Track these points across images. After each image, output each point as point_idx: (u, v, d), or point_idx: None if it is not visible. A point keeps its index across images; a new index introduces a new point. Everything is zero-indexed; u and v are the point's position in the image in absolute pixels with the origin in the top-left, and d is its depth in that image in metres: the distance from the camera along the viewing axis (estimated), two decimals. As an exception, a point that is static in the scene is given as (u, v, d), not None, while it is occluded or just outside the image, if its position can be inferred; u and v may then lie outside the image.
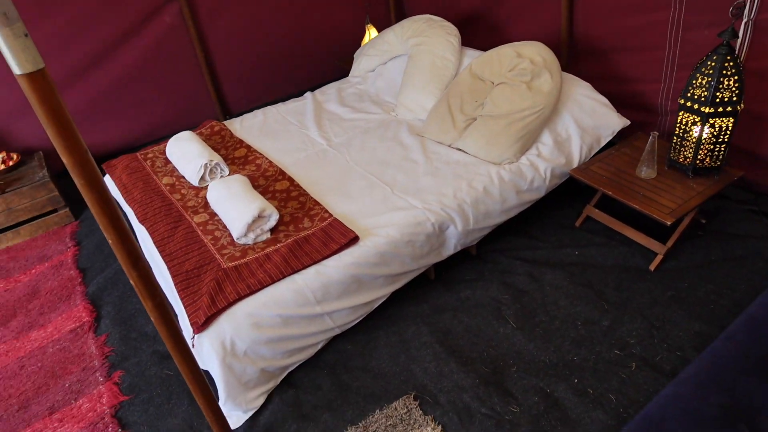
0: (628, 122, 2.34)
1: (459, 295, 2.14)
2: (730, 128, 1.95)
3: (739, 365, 1.33)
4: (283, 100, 3.46)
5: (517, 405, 1.70)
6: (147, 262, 1.20)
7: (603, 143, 2.35)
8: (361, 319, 1.98)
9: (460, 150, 2.34)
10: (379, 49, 2.93)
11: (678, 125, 2.05)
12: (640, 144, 2.34)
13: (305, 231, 1.99)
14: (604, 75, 2.49)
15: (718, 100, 1.88)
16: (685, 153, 2.09)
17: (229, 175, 2.39)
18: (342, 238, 1.91)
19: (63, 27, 2.82)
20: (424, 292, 2.18)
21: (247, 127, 2.80)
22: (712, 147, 2.02)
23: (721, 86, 1.85)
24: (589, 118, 2.31)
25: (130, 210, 2.29)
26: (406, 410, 1.72)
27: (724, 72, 1.83)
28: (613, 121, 2.33)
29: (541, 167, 2.23)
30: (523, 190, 2.21)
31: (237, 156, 2.55)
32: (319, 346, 1.90)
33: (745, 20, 1.92)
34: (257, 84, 3.51)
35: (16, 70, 0.86)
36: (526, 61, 2.27)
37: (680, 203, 2.02)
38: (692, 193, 2.06)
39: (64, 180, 3.17)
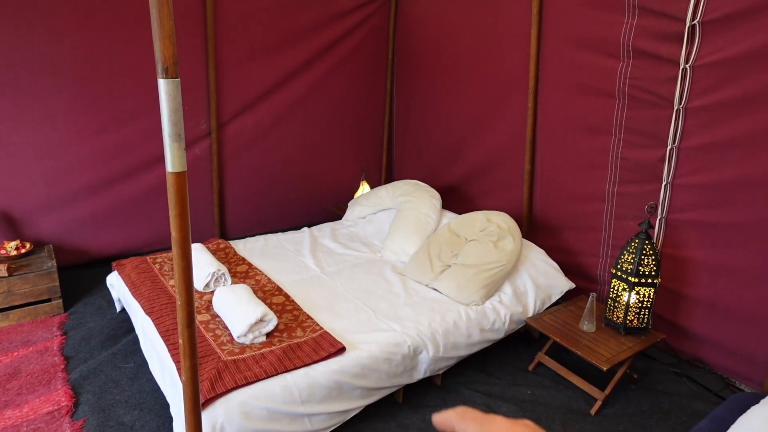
0: (573, 285, 2.84)
1: (424, 417, 2.35)
2: (651, 296, 2.46)
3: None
4: (278, 231, 3.93)
5: None
6: (197, 326, 1.47)
7: (553, 300, 2.81)
8: (335, 427, 2.14)
9: (435, 290, 2.75)
10: (372, 201, 3.52)
11: (612, 290, 2.55)
12: (583, 304, 2.81)
13: (297, 339, 2.25)
14: (555, 246, 3.06)
15: (640, 272, 2.41)
16: (618, 314, 2.55)
17: (231, 284, 2.69)
18: (330, 347, 2.18)
19: (110, 145, 3.32)
20: (393, 412, 2.37)
21: (249, 248, 3.18)
22: (638, 311, 2.50)
23: (642, 262, 2.40)
24: (542, 278, 2.81)
25: (137, 304, 2.51)
26: None
27: (644, 252, 2.40)
28: (561, 283, 2.83)
29: (501, 312, 2.64)
30: (486, 329, 2.58)
31: (239, 270, 2.87)
32: (295, 449, 2.04)
33: (659, 217, 2.56)
34: (257, 215, 3.99)
35: (171, 168, 1.27)
36: (494, 225, 2.84)
37: (614, 354, 2.42)
38: (624, 347, 2.47)
39: (65, 272, 3.37)
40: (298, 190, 4.05)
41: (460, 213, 3.30)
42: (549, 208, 3.10)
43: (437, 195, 3.29)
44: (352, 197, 4.08)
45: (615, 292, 2.54)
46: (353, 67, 3.94)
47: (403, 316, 2.49)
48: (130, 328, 2.85)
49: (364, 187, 3.98)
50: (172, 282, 2.68)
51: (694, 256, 2.51)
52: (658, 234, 2.63)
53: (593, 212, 2.86)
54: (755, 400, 2.08)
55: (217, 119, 3.55)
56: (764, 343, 2.35)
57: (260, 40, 3.53)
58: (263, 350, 2.16)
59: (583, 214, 2.91)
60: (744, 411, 1.97)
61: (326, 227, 3.53)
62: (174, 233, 1.32)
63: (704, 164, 2.34)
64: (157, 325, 2.30)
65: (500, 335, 2.65)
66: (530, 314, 2.72)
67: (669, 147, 2.43)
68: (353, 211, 3.60)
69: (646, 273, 2.43)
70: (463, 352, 2.52)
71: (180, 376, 1.98)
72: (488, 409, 2.41)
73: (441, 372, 2.50)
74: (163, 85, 1.21)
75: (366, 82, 4.05)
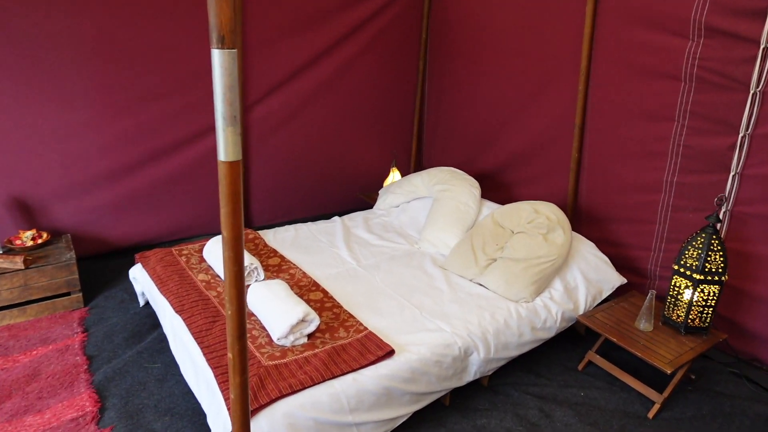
0: (625, 280, 2.68)
1: (475, 423, 2.20)
2: (716, 294, 2.29)
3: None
4: (305, 220, 3.76)
5: None
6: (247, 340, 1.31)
7: (604, 296, 2.64)
8: (384, 436, 2.00)
9: (480, 285, 2.58)
10: (405, 190, 3.33)
11: (672, 287, 2.38)
12: (635, 300, 2.65)
13: (341, 340, 2.10)
14: (602, 238, 2.89)
15: (706, 269, 2.24)
16: (678, 312, 2.39)
17: (264, 279, 2.52)
18: (379, 350, 2.02)
19: (132, 128, 3.13)
20: (441, 417, 2.23)
21: (279, 239, 3.01)
22: (701, 309, 2.33)
23: (709, 259, 2.23)
24: (593, 272, 2.64)
25: (165, 301, 2.36)
26: None
27: (711, 247, 2.22)
28: (613, 278, 2.66)
29: (553, 309, 2.48)
30: (537, 327, 2.42)
31: (271, 264, 2.71)
32: (344, 460, 1.89)
33: (724, 210, 2.38)
34: (283, 203, 3.81)
35: (223, 157, 1.09)
36: (543, 216, 2.66)
37: (676, 355, 2.26)
38: (686, 348, 2.31)
39: (84, 263, 3.21)
40: (325, 176, 3.86)
41: (496, 202, 3.12)
42: (597, 198, 2.91)
43: (476, 183, 3.10)
44: (380, 184, 3.89)
45: (676, 289, 2.37)
46: (384, 47, 3.72)
47: (450, 314, 2.33)
48: (156, 324, 2.70)
49: (395, 174, 3.79)
50: (201, 276, 2.52)
51: (762, 252, 2.34)
52: (721, 227, 2.45)
53: (647, 203, 2.67)
54: None
55: (243, 101, 3.35)
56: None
57: (289, 18, 3.30)
58: (306, 353, 2.00)
59: (635, 205, 2.73)
60: None
61: (358, 216, 3.35)
62: (225, 232, 1.15)
63: (782, 152, 2.15)
64: (188, 325, 2.14)
65: (551, 334, 2.49)
66: (581, 311, 2.56)
67: (741, 134, 2.23)
68: (385, 199, 3.42)
69: (713, 270, 2.26)
70: (514, 353, 2.37)
71: (218, 383, 1.82)
72: (542, 413, 2.26)
73: (489, 373, 2.35)
74: (218, 56, 1.02)
75: (397, 63, 3.82)
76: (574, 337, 2.76)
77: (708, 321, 2.36)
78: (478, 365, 2.23)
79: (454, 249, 2.77)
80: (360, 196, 3.98)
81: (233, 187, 1.13)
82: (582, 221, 3.01)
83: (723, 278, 2.26)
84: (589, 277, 2.63)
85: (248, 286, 2.40)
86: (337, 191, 3.97)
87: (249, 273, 2.51)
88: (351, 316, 2.26)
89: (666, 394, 2.30)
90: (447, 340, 2.16)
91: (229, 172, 1.11)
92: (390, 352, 2.02)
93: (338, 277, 2.62)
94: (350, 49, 3.56)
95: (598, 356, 2.54)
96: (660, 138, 2.52)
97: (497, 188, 3.44)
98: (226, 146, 1.09)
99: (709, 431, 2.22)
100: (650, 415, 2.28)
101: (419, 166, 4.15)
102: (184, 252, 2.75)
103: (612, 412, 2.31)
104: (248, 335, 2.09)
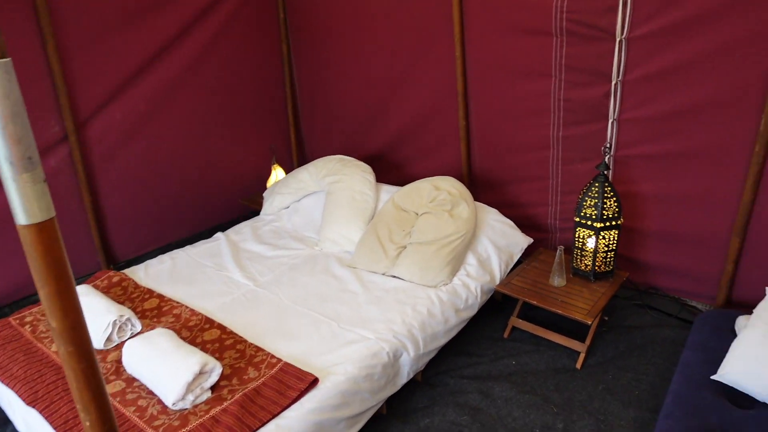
0: (532, 240, 2.67)
1: (418, 425, 2.05)
2: (615, 238, 2.35)
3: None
4: (180, 242, 3.25)
5: None
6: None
7: (515, 260, 2.61)
8: (326, 475, 1.75)
9: (395, 277, 2.39)
10: (292, 188, 3.01)
11: (576, 239, 2.40)
12: (545, 258, 2.65)
13: (253, 382, 1.78)
14: (501, 202, 2.85)
15: (604, 216, 2.27)
16: (585, 261, 2.42)
17: (142, 330, 2.08)
18: (299, 382, 1.75)
19: None
20: (381, 429, 2.03)
21: (153, 274, 2.54)
22: (605, 255, 2.38)
23: (605, 206, 2.26)
24: (502, 239, 2.58)
25: (11, 393, 1.81)
26: None
27: (605, 195, 2.25)
28: (520, 240, 2.63)
29: (472, 286, 2.37)
30: (460, 308, 2.30)
31: (148, 308, 2.26)
32: None
33: (608, 157, 2.43)
34: (150, 228, 3.26)
35: (24, 219, 0.72)
36: (444, 192, 2.52)
37: (592, 304, 2.29)
38: (598, 294, 2.35)
39: None
40: (197, 186, 3.36)
41: (394, 184, 2.94)
42: (490, 162, 2.86)
43: (369, 168, 2.88)
44: (263, 186, 3.50)
45: (581, 240, 2.40)
46: (239, 33, 3.27)
47: (370, 318, 2.11)
48: (5, 421, 2.12)
49: (278, 172, 3.43)
50: (54, 347, 2.00)
51: (644, 190, 2.44)
52: (609, 173, 2.52)
53: (538, 160, 2.67)
54: (719, 316, 2.10)
55: (73, 117, 2.73)
56: (714, 260, 2.38)
57: (115, 5, 2.73)
58: (213, 411, 1.66)
59: (527, 164, 2.71)
60: (716, 331, 1.98)
61: (244, 227, 2.96)
62: (54, 322, 0.78)
63: (649, 96, 2.22)
64: (48, 417, 1.66)
65: (475, 311, 2.40)
66: (498, 281, 2.50)
67: (614, 82, 2.27)
68: (272, 201, 3.06)
69: (610, 216, 2.30)
70: (443, 340, 2.23)
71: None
72: (481, 394, 2.17)
73: (422, 368, 2.19)
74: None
75: (256, 49, 3.40)
76: (493, 306, 2.71)
77: (612, 264, 2.42)
78: (410, 365, 2.06)
79: (359, 244, 2.54)
80: (243, 203, 3.56)
81: (51, 256, 0.76)
82: (480, 188, 2.95)
83: (619, 222, 2.32)
84: (499, 244, 2.57)
85: (123, 343, 1.95)
86: (215, 201, 3.50)
87: (121, 327, 2.05)
88: (259, 349, 1.94)
89: (588, 342, 2.33)
90: (373, 349, 1.94)
91: (40, 238, 0.74)
92: (313, 382, 1.76)
93: (234, 304, 2.26)
94: (200, 38, 3.06)
95: (520, 320, 2.52)
96: (541, 94, 2.50)
97: (390, 169, 3.25)
98: (24, 203, 0.72)
99: (630, 365, 2.30)
100: (578, 365, 2.31)
101: (303, 159, 3.82)
102: (27, 319, 2.18)
103: (544, 373, 2.30)
104: (134, 407, 1.70)
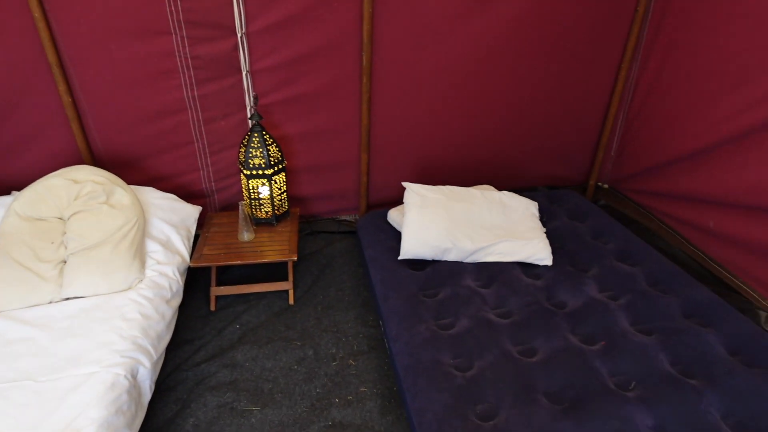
0: (200, 208, 2.58)
1: (186, 430, 1.81)
2: (284, 180, 2.58)
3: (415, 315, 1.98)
4: None
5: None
6: None
7: (194, 232, 2.48)
8: None
9: (72, 299, 1.88)
10: None
11: (249, 191, 2.49)
12: (218, 220, 2.64)
13: None
14: (147, 179, 2.57)
15: (272, 162, 2.45)
16: (264, 209, 2.57)
17: None
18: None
19: None
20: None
21: None
22: (280, 198, 2.60)
23: (269, 152, 2.43)
24: (173, 215, 2.38)
25: None
26: None
27: (266, 142, 2.42)
28: (191, 211, 2.49)
29: (167, 271, 2.14)
30: (169, 298, 2.06)
31: None
32: None
33: (251, 107, 2.56)
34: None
35: None
36: (89, 183, 2.08)
37: (287, 244, 2.50)
38: (286, 234, 2.58)
39: None
40: None
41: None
42: (120, 138, 2.47)
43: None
44: None
45: (255, 191, 2.51)
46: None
47: (79, 352, 1.64)
48: None
49: None
50: None
51: (290, 131, 2.70)
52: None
53: (177, 125, 2.52)
54: (373, 217, 2.65)
55: None
56: (353, 178, 2.95)
57: None
58: None
59: (166, 132, 2.52)
60: (377, 228, 2.56)
61: None
62: None
63: (275, 44, 2.42)
64: None
65: (182, 295, 2.19)
66: (188, 258, 2.34)
67: (239, 34, 2.37)
68: None
69: (276, 161, 2.49)
70: (168, 337, 1.99)
71: None
72: (230, 368, 2.10)
73: (158, 375, 1.90)
74: None
75: None
76: (185, 286, 2.53)
77: (287, 205, 2.67)
78: (149, 378, 1.76)
79: (-6, 280, 1.82)
80: None
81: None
82: (115, 170, 2.52)
83: (284, 164, 2.56)
84: (173, 221, 2.37)
85: None
86: None
87: None
88: None
89: (291, 277, 2.52)
90: (107, 379, 1.56)
91: None
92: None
93: None
94: None
95: (221, 288, 2.48)
96: (163, 55, 2.32)
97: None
98: None
99: (331, 282, 2.66)
100: (291, 301, 2.51)
101: None
102: None
103: (268, 320, 2.40)
104: None
